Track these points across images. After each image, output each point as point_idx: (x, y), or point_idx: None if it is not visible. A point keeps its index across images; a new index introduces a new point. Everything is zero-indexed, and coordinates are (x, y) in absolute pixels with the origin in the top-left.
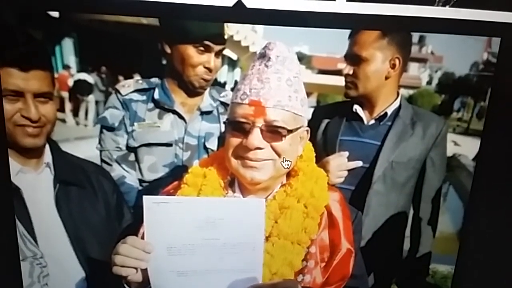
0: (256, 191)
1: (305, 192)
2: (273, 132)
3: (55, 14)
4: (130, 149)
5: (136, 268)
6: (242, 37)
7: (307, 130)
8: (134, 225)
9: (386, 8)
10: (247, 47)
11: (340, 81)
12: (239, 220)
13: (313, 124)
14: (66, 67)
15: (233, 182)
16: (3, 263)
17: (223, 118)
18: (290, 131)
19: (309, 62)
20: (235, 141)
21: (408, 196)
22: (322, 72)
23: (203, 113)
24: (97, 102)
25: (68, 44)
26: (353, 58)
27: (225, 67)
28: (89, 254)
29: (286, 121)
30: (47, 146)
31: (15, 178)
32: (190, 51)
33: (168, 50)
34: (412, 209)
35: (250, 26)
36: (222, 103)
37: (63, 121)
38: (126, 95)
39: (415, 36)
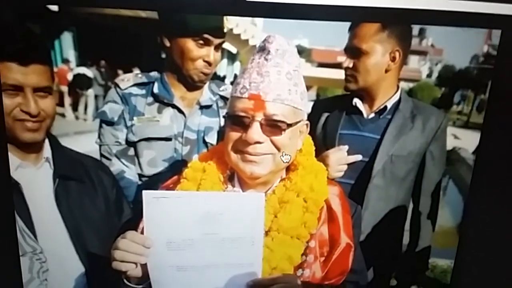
0: (256, 186)
1: (304, 186)
2: (273, 126)
3: (54, 8)
4: (130, 143)
5: (135, 263)
6: (241, 30)
7: (306, 124)
8: (134, 220)
9: (386, 1)
10: (247, 40)
11: (340, 74)
12: (238, 214)
13: (312, 118)
14: (65, 61)
15: (232, 176)
16: (3, 258)
17: (223, 112)
18: (289, 125)
19: (309, 56)
20: (234, 135)
21: (407, 190)
22: (322, 65)
23: (202, 107)
24: (96, 96)
25: (67, 38)
26: (353, 51)
27: (225, 60)
28: (89, 249)
29: (285, 115)
30: (46, 140)
31: (15, 173)
32: (190, 44)
33: (168, 44)
34: (411, 203)
35: (249, 19)
36: (222, 97)
37: (63, 115)
38: (125, 89)
39: (415, 29)
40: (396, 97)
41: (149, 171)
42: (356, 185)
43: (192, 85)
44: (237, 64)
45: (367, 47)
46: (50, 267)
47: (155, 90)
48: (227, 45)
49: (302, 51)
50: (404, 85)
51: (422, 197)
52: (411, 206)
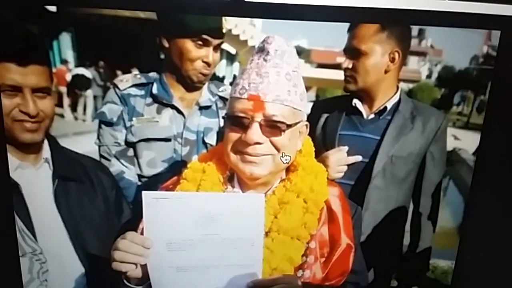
0: (256, 186)
1: (304, 187)
2: (272, 127)
3: (53, 8)
4: (129, 144)
5: (135, 264)
6: (240, 31)
7: (306, 125)
8: (133, 221)
9: (386, 1)
10: (246, 41)
11: (339, 75)
12: (238, 215)
13: (312, 118)
14: (64, 61)
15: (232, 177)
16: (3, 259)
17: (222, 113)
18: (289, 126)
19: (308, 56)
20: (234, 136)
21: (408, 190)
22: (321, 66)
23: (202, 108)
24: (95, 97)
25: (66, 39)
26: (352, 52)
27: (224, 61)
28: (89, 250)
29: (285, 115)
30: (45, 141)
31: (14, 174)
32: (188, 45)
33: (166, 45)
34: (412, 204)
35: (248, 20)
36: (221, 98)
37: (62, 116)
38: (124, 90)
39: (415, 30)
40: (395, 98)
41: (149, 172)
42: (356, 186)
43: (191, 86)
44: (236, 64)
45: (366, 48)
46: (50, 267)
47: (154, 90)
48: (226, 46)
49: (301, 52)
50: (403, 86)
51: (422, 198)
52: (411, 207)
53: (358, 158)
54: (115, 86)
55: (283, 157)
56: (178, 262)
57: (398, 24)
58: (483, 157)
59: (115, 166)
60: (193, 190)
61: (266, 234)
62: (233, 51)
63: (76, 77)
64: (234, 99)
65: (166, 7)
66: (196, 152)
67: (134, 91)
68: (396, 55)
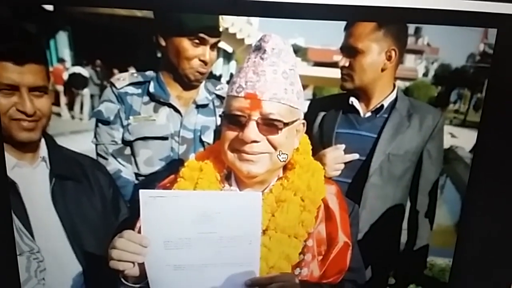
0: (253, 185)
1: (301, 185)
2: (269, 125)
3: (49, 7)
4: (126, 142)
5: (132, 262)
6: (237, 29)
7: (303, 123)
8: (131, 219)
9: (382, 0)
10: (243, 39)
11: (336, 73)
12: (235, 213)
13: (309, 117)
14: (60, 60)
15: (229, 175)
16: (0, 258)
17: (219, 111)
18: (286, 124)
19: (304, 55)
20: (231, 134)
21: (405, 188)
22: (318, 64)
23: (198, 106)
24: (92, 96)
25: (62, 38)
26: (349, 50)
27: (221, 59)
28: (86, 248)
29: (282, 114)
30: (42, 140)
31: (11, 173)
32: (185, 44)
33: (163, 43)
34: (409, 201)
35: (245, 18)
36: (218, 96)
37: (58, 115)
38: (121, 88)
39: (411, 28)
40: (392, 96)
41: (146, 170)
42: (353, 184)
43: (188, 84)
44: (233, 63)
45: (363, 46)
46: (48, 266)
47: (151, 89)
48: (222, 44)
49: (298, 50)
50: (400, 84)
51: (419, 196)
52: (408, 205)
53: (355, 156)
54: (112, 84)
55: (280, 155)
56: (176, 261)
57: (394, 22)
58: (480, 154)
59: (112, 165)
60: (190, 189)
61: (264, 232)
62: (230, 49)
63: (73, 76)
64: (231, 98)
65: (163, 5)
66: (193, 150)
67: (131, 89)
68: (393, 53)
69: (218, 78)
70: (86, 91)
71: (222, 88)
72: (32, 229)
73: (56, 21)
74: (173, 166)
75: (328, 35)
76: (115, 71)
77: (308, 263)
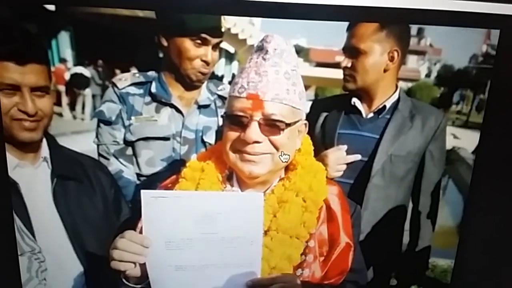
0: (255, 185)
1: (303, 186)
2: (271, 125)
3: (51, 7)
4: (128, 143)
5: (134, 263)
6: (239, 30)
7: (305, 124)
8: (132, 220)
9: (385, 0)
10: (245, 40)
11: (338, 74)
12: (237, 214)
13: (311, 117)
14: (62, 60)
15: (231, 176)
16: (1, 258)
17: (221, 111)
18: (288, 125)
19: (307, 55)
20: (233, 134)
21: (407, 189)
22: (320, 65)
23: (200, 107)
24: (94, 96)
25: (64, 38)
26: (351, 50)
27: (223, 60)
28: (87, 249)
29: (284, 114)
30: (44, 140)
31: (13, 173)
32: (187, 44)
33: (165, 43)
34: (411, 202)
35: (247, 18)
36: (220, 97)
37: (60, 115)
38: (123, 88)
39: (414, 29)
40: (395, 97)
41: (148, 171)
42: (355, 185)
43: (190, 85)
44: (235, 63)
45: (365, 46)
46: (49, 266)
47: (153, 89)
48: (225, 45)
49: (300, 51)
50: (403, 84)
51: (421, 196)
52: (410, 206)
53: (357, 157)
54: (114, 85)
55: (282, 156)
56: (177, 261)
57: (397, 23)
58: (482, 155)
59: (113, 165)
60: (192, 189)
61: (265, 233)
62: (232, 50)
63: (74, 76)
64: (233, 98)
65: (165, 6)
66: (195, 151)
67: (132, 90)
68: (395, 54)
69: (220, 78)
70: (87, 91)
71: (224, 89)
72: (33, 229)
73: (58, 21)
74: (175, 166)
75: (330, 36)
76: (117, 71)
77: (310, 264)
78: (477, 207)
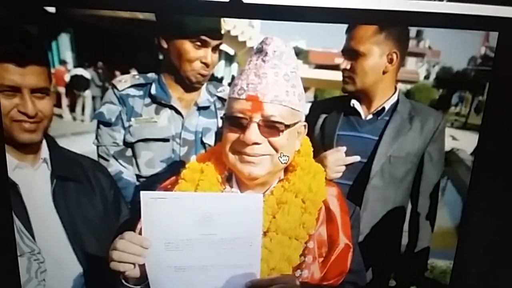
0: (254, 186)
1: (303, 187)
2: (271, 127)
3: (52, 9)
4: (127, 144)
5: (133, 264)
6: (239, 32)
7: (304, 125)
8: (132, 221)
9: (384, 3)
10: (244, 42)
11: (337, 76)
12: (236, 215)
13: (310, 119)
14: (62, 62)
15: (230, 177)
16: (1, 259)
17: (221, 113)
18: (287, 126)
19: (306, 57)
20: (232, 136)
21: (406, 191)
22: (320, 67)
23: (200, 108)
24: (93, 98)
25: (64, 39)
26: (351, 52)
27: (222, 62)
28: (87, 250)
29: (283, 116)
30: (44, 141)
31: (12, 174)
32: (187, 46)
33: (165, 45)
34: (410, 204)
35: (247, 21)
36: (219, 98)
37: (60, 116)
38: (123, 90)
39: (413, 31)
40: (394, 99)
41: (147, 172)
42: (354, 186)
43: (189, 86)
44: (234, 65)
45: (364, 49)
46: (48, 267)
47: (153, 91)
48: (224, 47)
49: (299, 53)
50: (402, 86)
51: (420, 198)
52: (409, 207)
53: (356, 158)
54: (114, 86)
55: (281, 157)
56: (176, 262)
57: (396, 25)
58: (481, 157)
59: (113, 166)
60: (191, 190)
61: (264, 234)
62: (231, 52)
63: (74, 77)
64: (233, 100)
65: (164, 8)
66: (195, 152)
67: (132, 91)
68: (394, 56)
69: (220, 80)
70: (87, 93)
71: (224, 90)
72: (33, 230)
73: (58, 23)
74: (174, 167)
75: (329, 38)
76: (117, 73)
77: (309, 265)
78: (475, 208)
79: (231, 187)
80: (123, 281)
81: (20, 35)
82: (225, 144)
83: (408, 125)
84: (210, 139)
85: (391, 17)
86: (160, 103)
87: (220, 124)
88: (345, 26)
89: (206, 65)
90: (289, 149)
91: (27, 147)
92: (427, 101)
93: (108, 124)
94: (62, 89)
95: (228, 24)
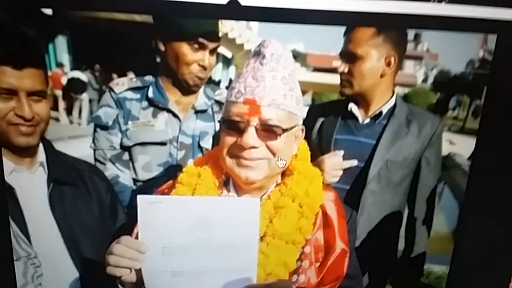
0: (251, 191)
1: (300, 192)
2: (268, 131)
3: (49, 11)
4: (124, 148)
5: (130, 268)
6: (236, 34)
7: (302, 129)
8: (128, 225)
9: (382, 5)
10: (242, 44)
11: (335, 79)
12: (233, 219)
13: (308, 123)
14: (59, 65)
15: (228, 181)
16: None
17: (218, 116)
18: (285, 130)
19: (304, 60)
20: (230, 140)
21: (403, 195)
22: (317, 70)
23: (197, 112)
24: (90, 101)
25: (61, 42)
26: (348, 55)
27: (220, 65)
28: (83, 254)
29: (281, 119)
30: (40, 145)
31: (9, 178)
32: (185, 48)
33: (162, 48)
34: (407, 208)
35: (245, 23)
36: (217, 102)
37: (57, 119)
38: (120, 93)
39: (411, 34)
40: (391, 102)
41: (144, 176)
42: (351, 191)
43: (187, 90)
44: (232, 68)
45: (362, 52)
46: (45, 271)
47: (150, 94)
48: (222, 50)
49: (297, 56)
50: (399, 90)
51: (417, 202)
52: (406, 212)
53: (354, 162)
54: (111, 89)
55: (278, 161)
56: (173, 267)
57: (394, 28)
58: (478, 162)
59: (110, 170)
60: (188, 194)
61: (261, 238)
62: (229, 54)
63: (71, 80)
64: (230, 103)
65: (162, 10)
66: (192, 156)
67: (129, 94)
68: (392, 59)
69: (217, 83)
70: (84, 96)
71: (221, 94)
72: (29, 234)
73: (55, 25)
74: (171, 171)
75: (327, 41)
76: (114, 76)
77: (306, 270)
78: (472, 213)
79: (228, 191)
80: (120, 285)
81: (17, 38)
82: (223, 148)
83: (405, 129)
84: (207, 143)
85: (389, 19)
86: (158, 106)
87: (217, 128)
88: (343, 28)
89: (204, 68)
90: (287, 153)
91: (24, 151)
92: (425, 104)
93: (105, 127)
94: (59, 92)
95: (226, 27)
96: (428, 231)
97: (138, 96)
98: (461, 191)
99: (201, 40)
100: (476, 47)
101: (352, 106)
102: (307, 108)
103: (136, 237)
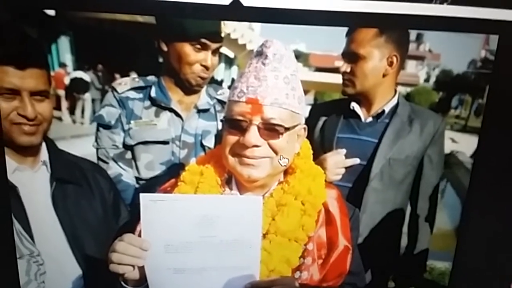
0: (253, 189)
1: (302, 190)
2: (270, 129)
3: (51, 12)
4: (127, 147)
5: (133, 266)
6: (239, 35)
7: (304, 128)
8: (131, 223)
9: (384, 6)
10: (244, 45)
11: (337, 78)
12: (236, 217)
13: (310, 121)
14: (62, 65)
15: (230, 179)
16: (0, 261)
17: (220, 116)
18: (287, 129)
19: (306, 60)
20: (232, 138)
21: (405, 193)
22: (320, 70)
23: (200, 111)
24: (93, 100)
25: (64, 42)
26: (351, 55)
27: (222, 65)
28: (86, 252)
29: (283, 118)
30: (43, 144)
31: (12, 176)
32: (187, 49)
33: (165, 48)
34: (409, 206)
35: (247, 24)
36: (219, 101)
37: (60, 119)
38: (122, 93)
39: (413, 34)
40: (393, 101)
41: (147, 174)
42: (354, 188)
43: (189, 89)
44: (234, 68)
45: (364, 52)
46: (48, 269)
47: (153, 94)
48: (224, 50)
49: (299, 56)
50: (401, 89)
51: (420, 200)
52: (409, 209)
53: (356, 160)
54: (113, 89)
55: (281, 160)
56: (176, 264)
57: (396, 29)
58: (480, 160)
59: (113, 169)
60: (191, 193)
61: (264, 236)
62: (231, 55)
63: (74, 80)
64: (232, 102)
65: (164, 11)
66: (194, 155)
67: (132, 94)
68: (394, 59)
69: (220, 83)
70: (87, 96)
71: (224, 93)
72: (32, 233)
73: (58, 26)
74: (174, 170)
75: (329, 41)
76: (117, 75)
77: (308, 267)
78: (475, 210)
79: (231, 189)
80: (123, 283)
81: (20, 38)
82: (225, 146)
83: (407, 128)
84: (209, 142)
85: (391, 20)
86: (160, 105)
87: (219, 127)
88: (345, 29)
89: (206, 68)
90: (289, 151)
91: (27, 150)
92: (427, 104)
93: (107, 126)
94: (61, 92)
95: (228, 27)
96: (431, 228)
97: (141, 95)
98: (464, 189)
99: (203, 40)
100: (478, 47)
101: (354, 105)
102: (309, 107)
103: (139, 235)
